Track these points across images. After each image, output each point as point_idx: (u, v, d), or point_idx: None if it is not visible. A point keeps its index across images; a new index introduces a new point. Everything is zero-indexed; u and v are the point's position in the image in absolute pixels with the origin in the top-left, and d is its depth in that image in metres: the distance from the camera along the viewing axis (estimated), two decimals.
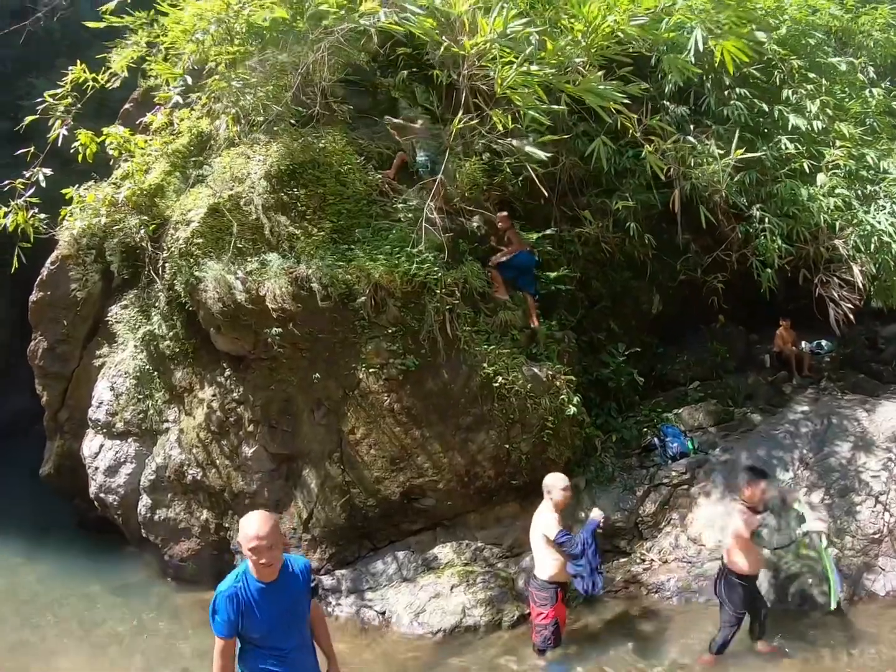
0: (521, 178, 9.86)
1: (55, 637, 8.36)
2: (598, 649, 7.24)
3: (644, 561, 8.50)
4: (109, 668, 7.82)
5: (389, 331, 8.11)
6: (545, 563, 6.79)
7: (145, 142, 9.88)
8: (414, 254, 8.17)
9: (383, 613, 8.04)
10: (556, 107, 6.78)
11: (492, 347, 8.31)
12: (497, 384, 8.15)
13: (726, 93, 10.41)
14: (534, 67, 6.07)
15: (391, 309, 8.11)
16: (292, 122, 9.05)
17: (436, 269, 8.16)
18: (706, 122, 10.54)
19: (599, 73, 6.53)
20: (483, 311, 8.69)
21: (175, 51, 8.40)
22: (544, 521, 6.73)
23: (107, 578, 9.70)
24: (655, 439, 9.44)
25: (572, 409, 8.51)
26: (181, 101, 9.36)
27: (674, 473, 8.91)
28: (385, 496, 8.27)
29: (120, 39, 9.33)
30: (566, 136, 9.58)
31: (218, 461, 8.72)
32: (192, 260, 8.48)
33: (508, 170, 10.01)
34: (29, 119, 9.18)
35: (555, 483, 6.73)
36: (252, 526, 4.06)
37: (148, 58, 9.18)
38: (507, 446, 8.23)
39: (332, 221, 8.54)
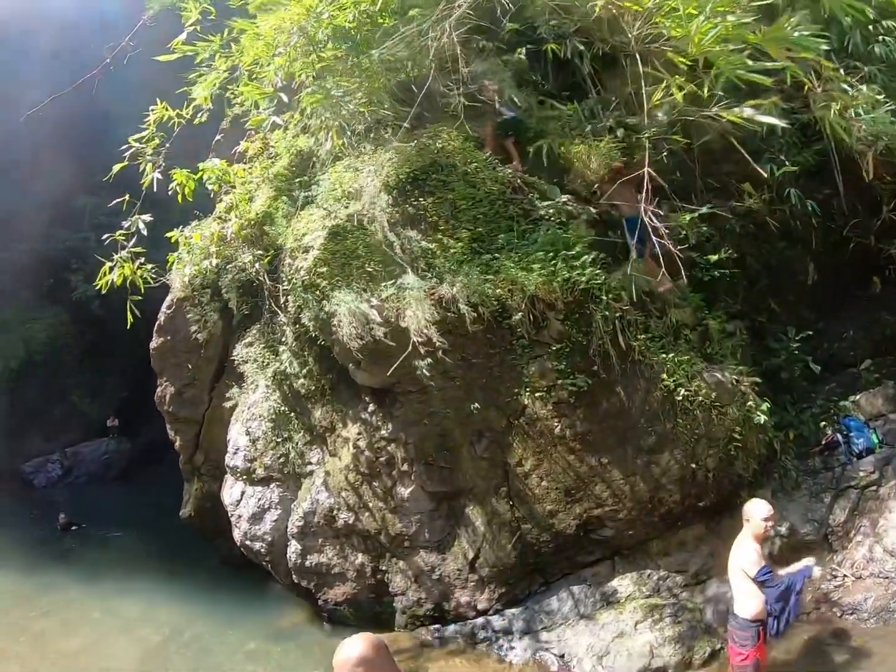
0: (664, 153, 8.73)
1: None
2: None
3: (836, 577, 7.51)
4: None
5: (553, 348, 7.23)
6: (747, 600, 5.85)
7: (244, 170, 9.40)
8: (571, 256, 7.22)
9: (562, 657, 7.23)
10: (769, 64, 5.44)
11: (670, 355, 7.32)
12: (680, 397, 7.18)
13: (870, 27, 8.97)
14: (731, 18, 4.96)
15: (553, 323, 7.23)
16: (402, 125, 8.21)
17: (598, 272, 7.23)
18: (855, 63, 9.14)
19: (795, 18, 5.36)
20: (653, 312, 7.65)
21: (259, 70, 7.77)
22: (744, 555, 5.82)
23: (258, 623, 9.33)
24: (838, 434, 8.32)
25: (761, 417, 7.47)
26: (279, 121, 8.78)
27: (861, 474, 7.93)
28: (560, 530, 7.45)
29: (198, 70, 8.66)
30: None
31: (371, 504, 8.05)
32: (318, 292, 7.74)
33: (648, 144, 8.88)
34: (117, 167, 8.72)
35: (755, 511, 5.81)
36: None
37: (229, 86, 8.66)
38: (693, 465, 7.27)
39: (468, 229, 7.67)
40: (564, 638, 7.33)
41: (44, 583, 11.55)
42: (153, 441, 21.08)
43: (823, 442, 8.30)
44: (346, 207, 8.05)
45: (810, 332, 9.22)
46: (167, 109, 8.70)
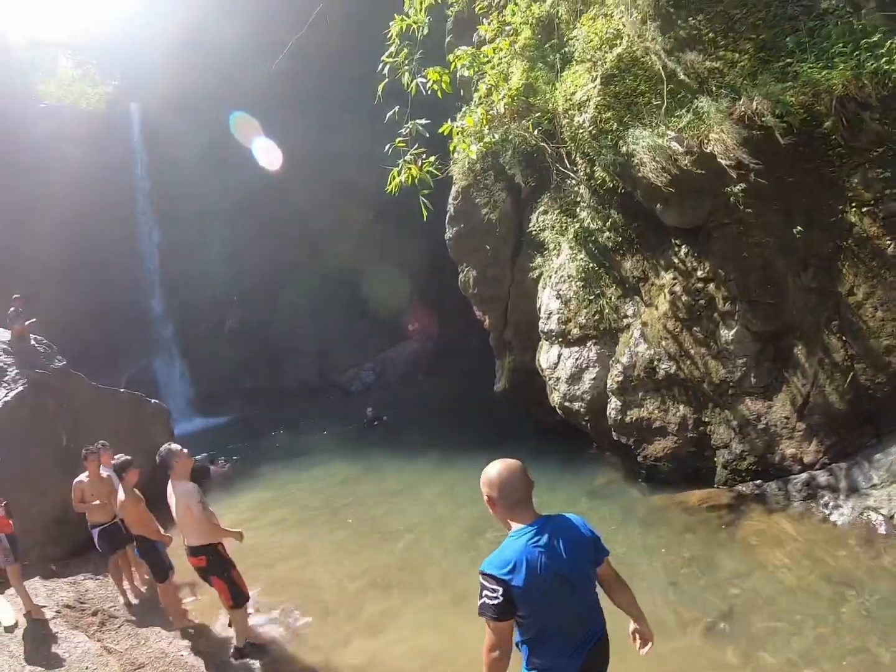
0: None
1: None
2: None
3: None
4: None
5: (874, 153, 6.30)
6: None
7: (492, 50, 9.24)
8: (874, 44, 6.19)
9: (892, 518, 6.45)
10: None
11: None
12: None
13: None
14: None
15: (869, 125, 6.27)
16: None
17: None
18: None
19: None
20: None
21: None
22: None
23: (577, 482, 9.56)
24: None
25: None
26: None
27: None
28: None
29: None
30: None
31: (692, 351, 7.76)
32: (610, 137, 7.48)
33: None
34: (382, 85, 8.97)
35: None
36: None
37: None
38: None
39: (750, 39, 6.89)
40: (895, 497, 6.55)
41: (377, 464, 12.92)
42: (450, 338, 22.84)
43: None
44: (611, 51, 7.70)
45: None
46: (404, 20, 8.77)
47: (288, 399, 23.23)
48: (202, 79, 24.63)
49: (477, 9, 9.59)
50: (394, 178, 8.98)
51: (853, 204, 6.47)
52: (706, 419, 8.03)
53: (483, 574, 3.00)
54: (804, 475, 7.24)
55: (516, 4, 9.45)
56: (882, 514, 6.52)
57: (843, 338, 6.81)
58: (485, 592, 2.98)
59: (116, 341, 23.80)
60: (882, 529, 6.44)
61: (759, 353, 7.39)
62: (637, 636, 3.35)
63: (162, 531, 6.95)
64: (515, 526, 3.11)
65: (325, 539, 9.27)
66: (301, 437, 17.54)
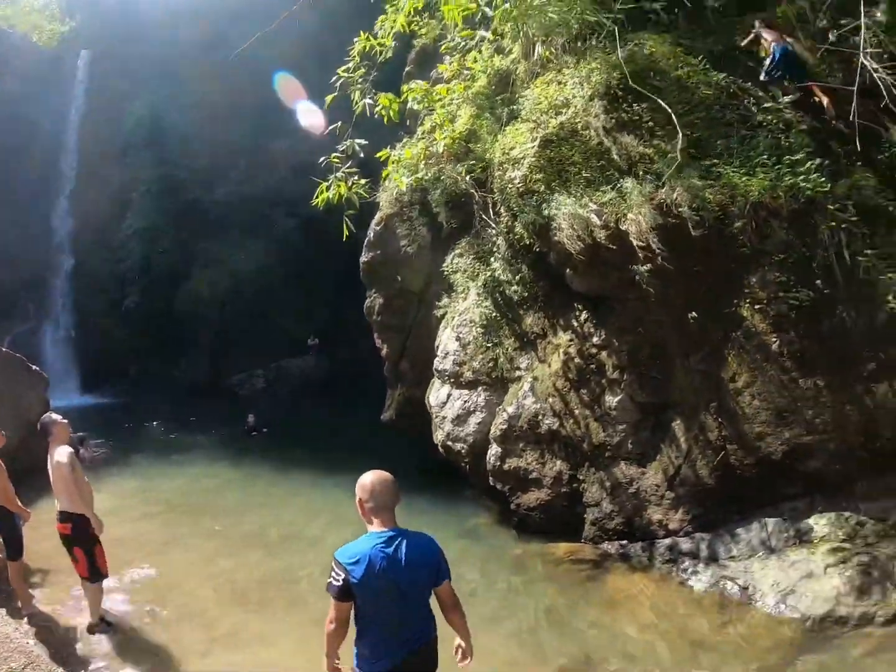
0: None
1: None
2: None
3: None
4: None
5: (776, 259, 6.90)
6: None
7: (446, 90, 9.59)
8: (794, 162, 6.86)
9: (746, 588, 6.99)
10: None
11: None
12: None
13: None
14: None
15: (776, 232, 6.88)
16: (608, 28, 8.09)
17: (823, 180, 6.80)
18: None
19: None
20: (879, 228, 7.04)
21: None
22: None
23: (451, 520, 9.68)
24: None
25: None
26: (487, 34, 8.87)
27: None
28: (765, 455, 7.14)
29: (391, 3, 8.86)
30: None
31: (577, 411, 8.13)
32: (535, 198, 7.86)
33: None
34: (330, 98, 9.11)
35: None
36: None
37: (415, 19, 8.89)
38: None
39: (685, 135, 7.39)
40: (751, 570, 7.07)
41: (251, 473, 12.85)
42: (350, 360, 22.76)
43: None
44: (556, 118, 8.11)
45: None
46: (369, 39, 8.96)
47: (177, 391, 22.59)
48: (151, 47, 24.08)
49: (442, 48, 9.87)
50: (322, 192, 9.06)
51: (748, 300, 7.03)
52: (581, 476, 8.38)
53: (335, 558, 3.59)
54: (668, 540, 7.70)
55: (480, 52, 9.81)
56: (738, 584, 7.06)
57: (720, 419, 7.35)
58: (332, 574, 3.58)
59: (7, 295, 22.58)
60: (736, 598, 6.95)
61: (639, 421, 7.83)
62: (459, 651, 3.88)
63: (20, 505, 6.70)
64: (373, 528, 3.66)
65: (190, 543, 9.10)
66: (181, 433, 17.14)
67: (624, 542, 8.01)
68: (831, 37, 7.53)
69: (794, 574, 6.82)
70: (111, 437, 15.53)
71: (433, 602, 3.76)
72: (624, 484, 7.94)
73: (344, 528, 8.67)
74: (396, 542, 3.61)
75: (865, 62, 6.16)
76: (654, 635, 6.52)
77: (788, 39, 8.06)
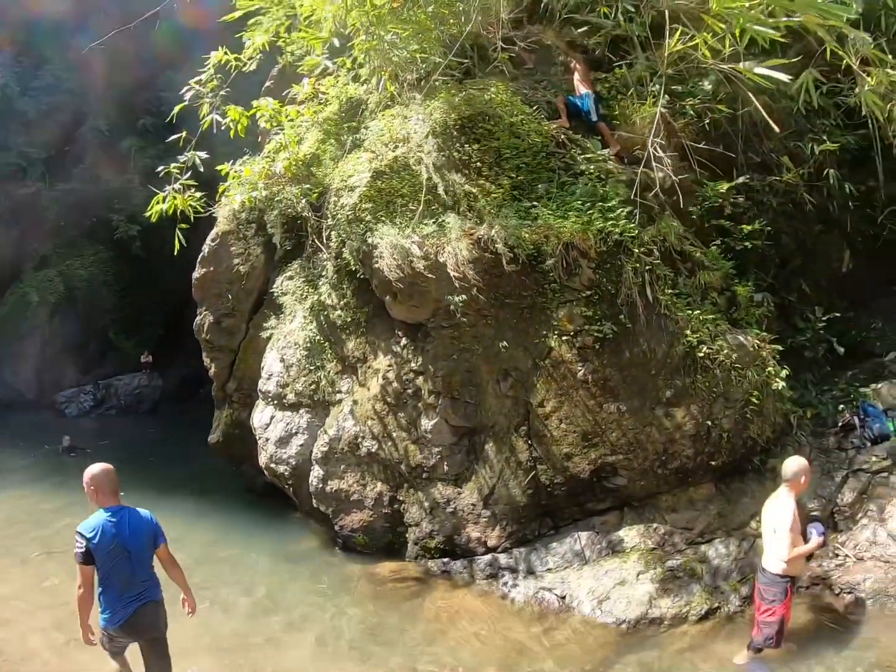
0: (707, 121, 8.95)
1: (222, 600, 8.00)
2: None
3: (837, 556, 7.52)
4: (279, 633, 7.41)
5: (583, 295, 7.48)
6: (778, 555, 6.02)
7: (297, 112, 9.72)
8: (607, 209, 7.47)
9: (563, 598, 7.47)
10: (786, 19, 5.37)
11: (695, 312, 7.53)
12: (701, 354, 7.39)
13: None
14: None
15: (585, 271, 7.46)
16: (454, 74, 8.56)
17: (631, 225, 7.45)
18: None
19: None
20: (682, 271, 7.86)
21: (316, 17, 7.89)
22: (780, 510, 5.95)
23: (277, 543, 9.65)
24: (855, 418, 8.35)
25: (780, 384, 7.66)
26: (331, 65, 9.06)
27: (874, 459, 7.90)
28: (574, 474, 7.66)
29: (257, 19, 8.90)
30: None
31: (394, 434, 8.34)
32: (362, 226, 8.09)
33: (692, 112, 9.05)
34: (178, 108, 9.04)
35: (793, 466, 5.98)
36: None
37: (282, 35, 8.97)
38: (709, 423, 7.45)
39: (510, 177, 7.97)
40: (568, 580, 7.55)
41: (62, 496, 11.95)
42: (184, 379, 21.90)
43: (841, 423, 8.38)
44: (394, 151, 8.41)
45: (838, 315, 9.29)
46: (227, 54, 8.95)
47: None
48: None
49: (299, 69, 9.87)
50: (158, 202, 8.86)
51: (556, 332, 7.53)
52: (401, 497, 8.59)
53: (77, 531, 4.87)
54: (488, 556, 8.07)
55: (336, 78, 9.91)
56: (556, 594, 7.50)
57: (530, 441, 7.82)
58: (76, 544, 4.83)
59: None
60: (555, 607, 7.41)
61: (454, 444, 8.15)
62: (185, 604, 5.33)
63: None
64: (103, 506, 4.96)
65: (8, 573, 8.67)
66: None
67: (446, 559, 8.29)
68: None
69: (609, 581, 7.35)
70: None
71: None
72: (442, 504, 8.20)
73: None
74: (120, 515, 4.97)
75: (651, 150, 6.71)
76: (480, 645, 6.86)
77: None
